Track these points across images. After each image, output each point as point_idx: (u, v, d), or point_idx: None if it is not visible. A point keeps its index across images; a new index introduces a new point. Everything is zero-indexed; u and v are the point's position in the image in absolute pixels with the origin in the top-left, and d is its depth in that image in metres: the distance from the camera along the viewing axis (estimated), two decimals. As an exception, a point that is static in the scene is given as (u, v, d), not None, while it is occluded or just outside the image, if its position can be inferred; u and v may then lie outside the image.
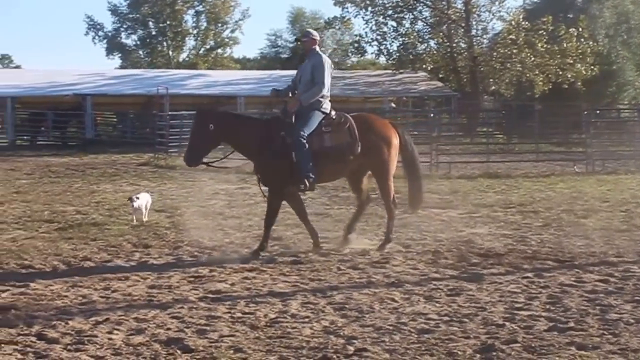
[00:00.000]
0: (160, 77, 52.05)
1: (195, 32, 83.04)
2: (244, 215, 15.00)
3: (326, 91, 11.13)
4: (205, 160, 11.47)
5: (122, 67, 79.26)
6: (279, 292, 8.79)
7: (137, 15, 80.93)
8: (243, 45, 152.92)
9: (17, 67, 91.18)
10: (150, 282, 9.24)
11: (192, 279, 9.48)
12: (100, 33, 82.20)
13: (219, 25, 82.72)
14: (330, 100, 11.29)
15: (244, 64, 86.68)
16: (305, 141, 10.76)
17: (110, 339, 6.95)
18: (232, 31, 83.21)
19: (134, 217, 13.76)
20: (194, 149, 11.18)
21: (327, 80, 11.11)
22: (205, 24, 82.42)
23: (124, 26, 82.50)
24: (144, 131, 45.93)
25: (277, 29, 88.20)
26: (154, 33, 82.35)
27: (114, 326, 7.34)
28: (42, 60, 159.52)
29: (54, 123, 47.28)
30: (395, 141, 11.45)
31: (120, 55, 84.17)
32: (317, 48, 11.43)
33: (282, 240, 12.09)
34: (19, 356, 6.45)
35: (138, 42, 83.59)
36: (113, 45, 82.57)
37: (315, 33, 11.51)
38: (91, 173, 25.87)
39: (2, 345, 6.74)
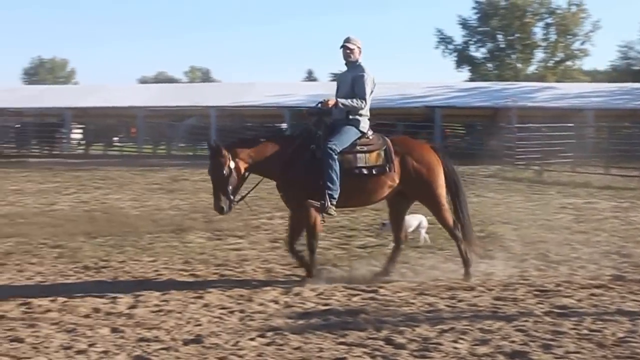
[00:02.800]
0: (508, 89, 51.80)
1: (544, 44, 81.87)
2: (592, 230, 14.57)
3: (366, 108, 9.98)
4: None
5: (470, 79, 79.91)
6: (628, 310, 8.43)
7: (487, 29, 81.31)
8: (593, 57, 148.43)
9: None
10: (495, 294, 9.22)
11: (537, 292, 9.34)
12: (450, 46, 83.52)
13: (569, 37, 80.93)
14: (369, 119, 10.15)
15: (594, 76, 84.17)
16: (335, 156, 9.61)
17: (455, 347, 7.03)
18: (582, 43, 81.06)
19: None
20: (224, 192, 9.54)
21: (369, 96, 9.96)
22: (554, 36, 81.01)
23: (473, 39, 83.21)
24: (491, 143, 46.03)
25: (629, 40, 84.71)
26: (502, 46, 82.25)
27: (459, 335, 7.41)
28: (394, 73, 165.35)
29: (404, 134, 48.67)
30: (438, 166, 10.21)
31: (469, 67, 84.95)
32: (360, 59, 10.15)
33: (632, 257, 11.60)
34: (368, 359, 6.70)
35: (487, 55, 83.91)
36: (462, 58, 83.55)
37: (358, 41, 10.12)
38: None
39: (353, 347, 7.05)
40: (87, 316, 8.16)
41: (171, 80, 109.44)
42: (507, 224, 15.18)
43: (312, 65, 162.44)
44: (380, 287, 9.53)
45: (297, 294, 9.05)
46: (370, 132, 10.05)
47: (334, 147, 9.61)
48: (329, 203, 9.57)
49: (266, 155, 9.71)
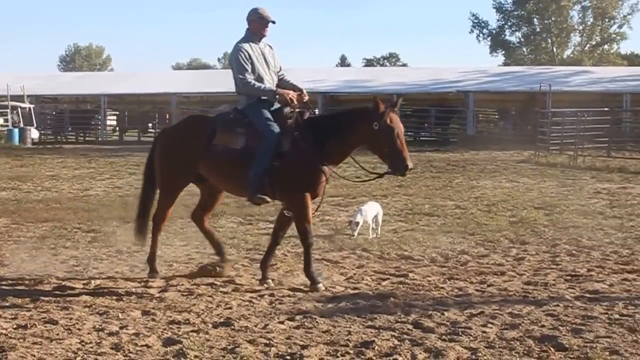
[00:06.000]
0: (543, 74, 51.52)
1: (580, 28, 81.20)
2: (626, 215, 14.47)
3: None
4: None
5: (505, 64, 79.49)
6: (661, 296, 8.37)
7: (522, 12, 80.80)
8: (631, 41, 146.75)
9: (404, 65, 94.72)
10: (526, 279, 9.20)
11: (568, 277, 9.31)
12: (485, 31, 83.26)
13: (606, 20, 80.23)
14: None
15: (632, 60, 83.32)
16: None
17: (484, 331, 7.01)
18: (620, 26, 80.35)
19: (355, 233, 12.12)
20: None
21: None
22: (591, 20, 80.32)
23: (509, 23, 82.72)
24: (525, 128, 45.77)
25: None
26: (538, 30, 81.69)
27: (489, 320, 7.39)
28: (427, 57, 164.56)
29: (437, 119, 48.56)
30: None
31: (503, 52, 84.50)
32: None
33: (667, 243, 11.55)
34: (396, 342, 6.70)
35: (522, 39, 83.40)
36: (497, 43, 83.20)
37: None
38: (471, 169, 26.29)
39: (381, 330, 7.07)
40: (119, 299, 8.25)
41: (205, 67, 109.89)
42: (540, 209, 15.11)
43: (346, 51, 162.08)
44: (410, 272, 9.55)
45: (326, 278, 9.08)
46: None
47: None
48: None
49: None
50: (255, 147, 8.75)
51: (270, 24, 9.17)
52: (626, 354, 6.34)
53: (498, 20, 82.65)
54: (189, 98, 53.67)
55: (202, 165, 9.12)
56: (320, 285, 8.68)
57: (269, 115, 8.89)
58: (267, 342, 6.68)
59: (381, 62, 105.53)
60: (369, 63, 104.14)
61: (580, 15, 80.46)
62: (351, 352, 6.43)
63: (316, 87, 48.42)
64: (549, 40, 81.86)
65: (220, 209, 14.90)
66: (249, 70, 8.95)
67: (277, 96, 8.99)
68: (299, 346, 6.56)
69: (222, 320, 7.39)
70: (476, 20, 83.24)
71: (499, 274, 9.49)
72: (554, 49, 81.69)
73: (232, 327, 7.14)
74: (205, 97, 53.07)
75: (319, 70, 58.23)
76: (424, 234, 12.37)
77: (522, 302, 8.03)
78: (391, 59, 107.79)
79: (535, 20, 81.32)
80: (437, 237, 11.98)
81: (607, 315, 7.55)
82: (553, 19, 79.66)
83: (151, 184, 9.71)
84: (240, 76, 8.95)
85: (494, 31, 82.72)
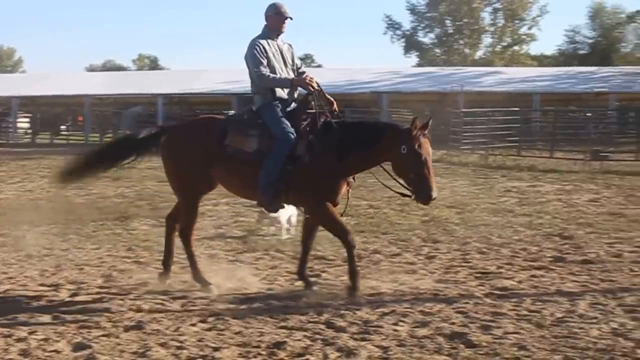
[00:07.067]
0: (455, 74, 52.26)
1: (492, 29, 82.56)
2: (535, 213, 14.78)
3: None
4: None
5: (418, 65, 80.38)
6: (567, 291, 8.57)
7: (435, 14, 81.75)
8: (540, 42, 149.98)
9: (319, 66, 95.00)
10: (437, 277, 9.32)
11: (478, 274, 9.47)
12: (398, 32, 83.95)
13: (516, 22, 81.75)
14: None
15: (541, 60, 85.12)
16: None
17: (395, 330, 7.09)
18: (530, 28, 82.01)
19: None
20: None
21: None
22: (502, 21, 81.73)
23: (422, 25, 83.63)
24: (438, 128, 46.34)
25: (575, 25, 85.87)
26: (450, 31, 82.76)
27: (400, 318, 7.47)
28: (342, 58, 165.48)
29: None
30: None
31: (417, 53, 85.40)
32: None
33: (573, 239, 11.80)
34: (308, 342, 6.73)
35: (435, 40, 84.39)
36: (410, 44, 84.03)
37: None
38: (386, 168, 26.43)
39: (294, 330, 7.09)
40: (28, 304, 8.10)
41: (119, 68, 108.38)
42: (452, 208, 15.32)
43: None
44: (323, 272, 9.61)
45: (239, 280, 9.05)
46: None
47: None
48: None
49: None
50: (268, 151, 8.34)
51: (287, 20, 8.74)
52: (533, 349, 6.48)
53: (411, 21, 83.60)
54: (102, 100, 52.99)
55: (214, 169, 8.66)
56: (358, 293, 8.25)
57: (284, 118, 8.49)
58: (179, 344, 6.64)
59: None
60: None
61: (492, 17, 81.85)
62: (263, 353, 6.44)
63: (231, 89, 48.30)
64: (461, 42, 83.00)
65: (133, 211, 14.79)
66: (265, 63, 8.51)
67: (294, 84, 8.59)
68: (211, 348, 6.55)
69: (133, 323, 7.31)
70: (390, 22, 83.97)
71: (410, 272, 9.59)
72: (466, 50, 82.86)
73: (144, 330, 7.08)
74: (119, 98, 52.47)
75: (234, 71, 57.93)
76: (337, 233, 12.39)
77: (433, 300, 8.13)
78: (306, 60, 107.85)
79: (447, 21, 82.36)
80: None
81: (515, 312, 7.70)
82: (465, 20, 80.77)
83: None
84: (256, 69, 8.48)
85: (407, 32, 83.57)
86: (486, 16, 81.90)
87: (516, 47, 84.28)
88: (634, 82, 49.79)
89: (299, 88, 8.71)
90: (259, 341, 6.72)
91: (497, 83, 50.21)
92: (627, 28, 72.69)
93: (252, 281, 9.04)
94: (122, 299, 8.26)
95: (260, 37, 8.70)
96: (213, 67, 65.63)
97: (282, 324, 7.28)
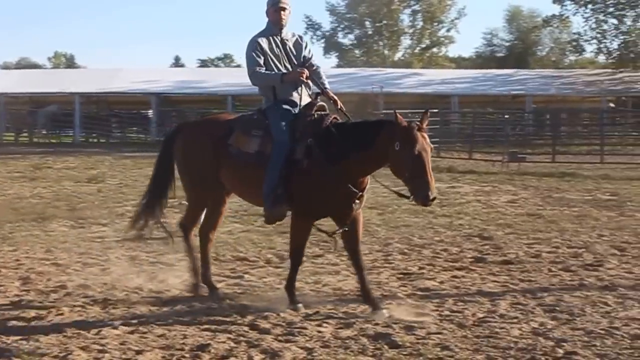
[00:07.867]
0: (375, 75, 52.55)
1: (411, 31, 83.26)
2: (455, 214, 14.95)
3: None
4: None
5: (338, 66, 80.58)
6: (488, 291, 8.68)
7: (354, 15, 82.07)
8: (458, 44, 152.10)
9: (238, 66, 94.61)
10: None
11: (401, 275, 9.53)
12: (318, 32, 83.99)
13: (435, 24, 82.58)
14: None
15: (459, 62, 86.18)
16: None
17: (319, 331, 7.09)
18: (448, 30, 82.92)
19: None
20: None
21: None
22: (421, 23, 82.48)
23: (342, 26, 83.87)
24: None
25: (493, 28, 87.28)
26: (370, 32, 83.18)
27: (324, 319, 7.48)
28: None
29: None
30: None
31: (336, 54, 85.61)
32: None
33: (493, 239, 11.97)
34: (232, 344, 6.69)
35: (355, 42, 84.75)
36: (330, 45, 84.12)
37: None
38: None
39: (217, 333, 7.03)
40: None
41: (34, 66, 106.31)
42: (373, 209, 15.38)
43: (180, 52, 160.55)
44: (246, 273, 9.56)
45: (161, 281, 8.96)
46: None
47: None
48: None
49: None
50: (268, 154, 7.90)
51: (287, 10, 8.30)
52: (456, 349, 6.54)
53: (331, 22, 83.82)
54: (17, 98, 51.87)
55: (222, 170, 8.30)
56: (300, 305, 7.85)
57: (285, 119, 8.02)
58: (101, 348, 6.53)
59: (215, 63, 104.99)
60: (204, 64, 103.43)
61: (411, 18, 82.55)
62: (187, 355, 6.37)
63: (150, 88, 47.82)
64: (381, 43, 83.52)
65: (51, 212, 14.52)
66: (261, 62, 8.12)
67: (285, 79, 8.13)
68: (134, 351, 6.45)
69: (53, 326, 7.17)
70: (310, 22, 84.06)
71: (333, 273, 9.61)
72: (386, 52, 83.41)
73: (64, 333, 6.94)
74: (34, 97, 51.48)
75: (152, 71, 57.44)
76: (259, 235, 12.37)
77: (356, 301, 8.13)
78: (225, 59, 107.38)
79: (367, 23, 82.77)
80: (272, 238, 11.99)
81: (438, 312, 7.76)
82: (384, 22, 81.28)
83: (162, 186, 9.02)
84: (249, 69, 8.15)
85: (327, 33, 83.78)
86: (405, 18, 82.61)
87: (435, 49, 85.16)
88: (549, 85, 50.87)
89: (307, 85, 8.47)
90: (183, 344, 6.65)
91: (417, 85, 50.74)
92: (542, 32, 74.10)
93: (174, 283, 8.95)
94: (41, 302, 8.10)
95: (261, 34, 8.35)
96: (130, 67, 64.98)
97: (206, 326, 7.21)
